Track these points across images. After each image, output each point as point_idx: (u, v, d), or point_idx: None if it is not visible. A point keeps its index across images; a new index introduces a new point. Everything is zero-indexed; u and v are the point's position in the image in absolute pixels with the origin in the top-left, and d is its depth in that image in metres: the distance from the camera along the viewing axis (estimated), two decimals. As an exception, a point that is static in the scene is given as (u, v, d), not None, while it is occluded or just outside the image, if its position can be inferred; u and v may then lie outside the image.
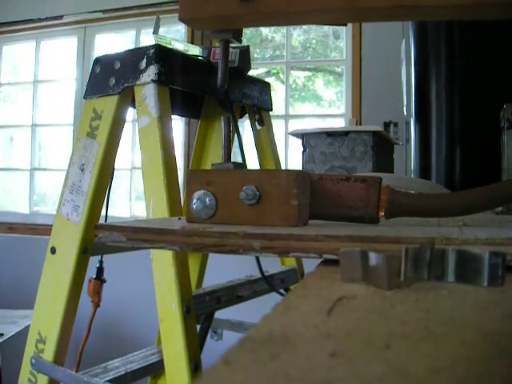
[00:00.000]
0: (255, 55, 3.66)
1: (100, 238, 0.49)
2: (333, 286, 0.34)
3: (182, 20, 0.61)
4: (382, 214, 0.52)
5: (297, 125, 3.52)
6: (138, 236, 0.47)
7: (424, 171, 1.34)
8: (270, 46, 3.81)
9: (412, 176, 1.37)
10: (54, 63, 3.91)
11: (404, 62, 1.78)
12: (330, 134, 1.05)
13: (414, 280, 0.34)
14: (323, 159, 1.05)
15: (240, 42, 0.56)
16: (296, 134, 1.13)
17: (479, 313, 0.27)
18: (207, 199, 0.52)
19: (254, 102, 1.64)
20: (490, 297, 0.31)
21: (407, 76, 1.61)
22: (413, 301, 0.30)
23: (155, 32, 1.57)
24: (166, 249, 0.46)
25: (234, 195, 0.51)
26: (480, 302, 0.30)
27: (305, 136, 1.08)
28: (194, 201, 0.53)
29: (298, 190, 0.50)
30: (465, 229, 0.48)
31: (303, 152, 1.08)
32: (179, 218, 0.62)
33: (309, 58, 3.69)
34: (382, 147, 1.11)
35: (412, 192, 0.62)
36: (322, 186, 0.53)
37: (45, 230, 3.20)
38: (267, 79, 3.77)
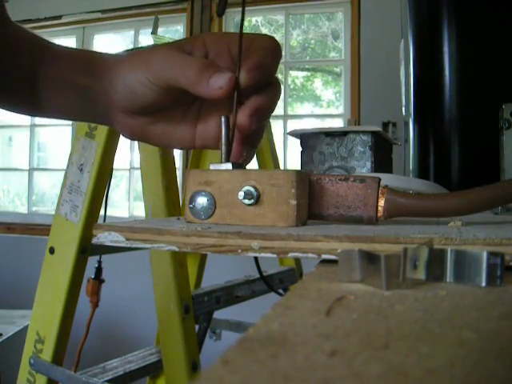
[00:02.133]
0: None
1: (98, 238, 0.49)
2: (331, 286, 0.34)
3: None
4: (381, 214, 0.52)
5: (295, 125, 3.52)
6: (137, 236, 0.47)
7: (423, 171, 1.34)
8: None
9: (411, 176, 1.37)
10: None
11: (403, 62, 1.78)
12: (329, 134, 1.05)
13: (413, 280, 0.34)
14: (322, 159, 1.05)
15: None
16: (294, 134, 1.13)
17: (477, 313, 0.27)
18: (206, 199, 0.52)
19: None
20: (489, 297, 0.31)
21: (406, 76, 1.61)
22: (411, 301, 0.30)
23: (154, 32, 1.57)
24: (164, 249, 0.46)
25: (232, 195, 0.51)
26: (478, 303, 0.30)
27: (303, 136, 1.08)
28: (193, 201, 0.53)
29: (297, 189, 0.50)
30: (463, 229, 0.48)
31: (302, 152, 1.08)
32: (178, 219, 0.62)
33: (307, 58, 3.69)
34: (381, 147, 1.11)
35: (411, 192, 0.62)
36: (320, 186, 0.53)
37: (43, 230, 3.20)
38: (266, 79, 3.77)
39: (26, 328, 1.55)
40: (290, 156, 3.34)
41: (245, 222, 0.51)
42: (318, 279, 0.36)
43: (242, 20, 0.55)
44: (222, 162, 0.54)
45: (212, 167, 0.54)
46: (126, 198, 3.76)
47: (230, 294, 1.47)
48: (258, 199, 0.50)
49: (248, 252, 0.44)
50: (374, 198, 0.52)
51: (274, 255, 0.44)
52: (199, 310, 1.34)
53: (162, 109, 0.58)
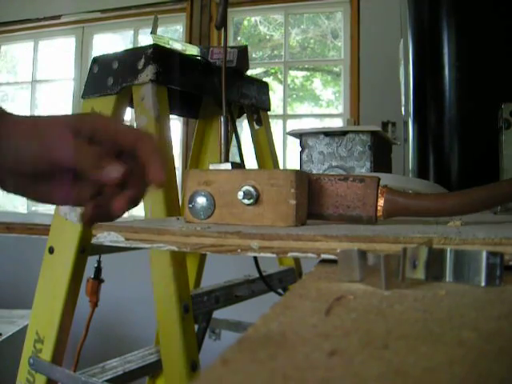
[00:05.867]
0: (253, 55, 3.66)
1: (98, 238, 0.49)
2: (331, 286, 0.34)
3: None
4: (380, 213, 0.52)
5: (295, 125, 3.52)
6: (136, 236, 0.47)
7: (422, 171, 1.35)
8: (268, 46, 3.82)
9: (410, 176, 1.37)
10: (52, 63, 3.92)
11: (402, 62, 1.78)
12: (328, 134, 1.05)
13: (412, 280, 0.34)
14: (321, 159, 1.04)
15: None
16: (294, 134, 1.12)
17: (477, 313, 0.27)
18: (205, 199, 0.52)
19: (252, 101, 1.64)
20: (488, 297, 0.31)
21: (405, 76, 1.61)
22: (411, 301, 0.30)
23: (153, 32, 1.56)
24: (164, 249, 0.46)
25: (232, 195, 0.51)
26: (478, 302, 0.30)
27: (303, 136, 1.08)
28: (192, 201, 0.53)
29: (296, 189, 0.50)
30: (463, 228, 0.48)
31: (301, 152, 1.08)
32: (177, 218, 0.62)
33: (307, 57, 3.69)
34: (380, 147, 1.11)
35: (410, 192, 0.62)
36: (320, 186, 0.53)
37: (43, 229, 3.20)
38: (265, 79, 3.77)
39: (25, 328, 1.55)
40: (290, 156, 3.34)
41: (244, 222, 0.51)
42: (318, 279, 0.36)
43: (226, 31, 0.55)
44: (221, 162, 0.54)
45: (211, 167, 0.54)
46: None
47: (229, 294, 1.47)
48: (257, 199, 0.50)
49: (247, 252, 0.44)
50: (373, 197, 0.52)
51: (274, 255, 0.44)
52: (199, 310, 1.34)
53: (45, 174, 0.59)
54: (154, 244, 0.47)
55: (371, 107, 3.08)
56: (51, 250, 1.37)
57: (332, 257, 0.42)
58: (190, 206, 0.53)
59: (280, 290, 1.67)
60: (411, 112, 1.45)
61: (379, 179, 0.52)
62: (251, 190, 0.50)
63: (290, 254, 0.44)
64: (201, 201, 0.52)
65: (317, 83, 3.82)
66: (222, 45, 0.75)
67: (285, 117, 3.44)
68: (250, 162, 1.85)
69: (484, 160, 1.21)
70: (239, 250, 0.44)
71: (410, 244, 0.40)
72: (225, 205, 0.52)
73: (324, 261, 0.43)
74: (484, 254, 0.34)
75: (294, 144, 3.32)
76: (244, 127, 2.66)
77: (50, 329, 1.33)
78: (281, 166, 2.23)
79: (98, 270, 1.57)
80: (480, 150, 1.24)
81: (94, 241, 0.49)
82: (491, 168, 0.99)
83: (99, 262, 1.58)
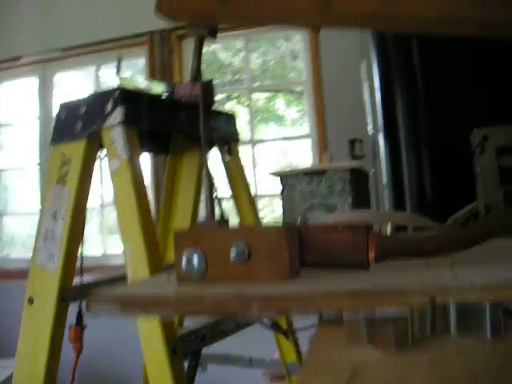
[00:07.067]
0: (215, 81, 3.68)
1: (92, 311, 0.48)
2: (342, 354, 0.34)
3: (159, 13, 0.59)
4: (372, 259, 0.52)
5: (262, 148, 3.53)
6: (132, 307, 0.47)
7: (396, 184, 1.36)
8: (229, 71, 3.85)
9: (385, 203, 1.39)
10: (16, 104, 3.88)
11: (365, 82, 1.81)
12: (308, 173, 1.06)
13: (420, 338, 0.34)
14: (302, 198, 1.05)
15: (215, 38, 0.57)
16: (274, 174, 1.13)
17: (493, 378, 0.28)
18: (197, 259, 0.52)
19: (222, 134, 1.64)
20: (500, 355, 0.32)
21: (371, 94, 1.63)
22: (425, 370, 0.30)
23: (118, 72, 1.56)
24: (161, 316, 0.46)
25: (223, 253, 0.51)
26: (491, 365, 0.30)
27: (282, 176, 1.09)
28: (184, 261, 0.52)
29: (288, 243, 0.50)
30: (456, 269, 0.48)
31: (282, 191, 1.08)
32: (167, 274, 0.61)
33: (268, 79, 3.72)
34: (358, 180, 1.12)
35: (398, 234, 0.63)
36: (310, 236, 0.53)
37: (18, 274, 3.14)
38: (228, 103, 3.80)
39: (8, 379, 1.51)
40: (261, 180, 3.34)
41: (239, 280, 0.51)
42: (326, 343, 0.36)
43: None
44: (206, 219, 0.54)
45: (199, 225, 0.53)
46: (99, 232, 3.72)
47: (215, 330, 1.46)
48: (249, 255, 0.50)
49: (248, 314, 0.44)
50: (364, 245, 0.52)
51: (275, 314, 0.44)
52: (186, 350, 1.32)
53: None
54: (150, 312, 0.46)
55: (337, 126, 3.11)
56: (31, 301, 1.35)
57: (333, 312, 0.42)
58: (182, 266, 0.52)
59: (266, 320, 1.66)
60: (380, 128, 1.47)
61: (369, 228, 0.53)
62: (243, 247, 0.50)
63: (291, 312, 0.44)
64: (192, 260, 0.52)
65: (280, 103, 3.85)
66: (190, 87, 0.76)
67: (253, 142, 3.45)
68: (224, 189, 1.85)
69: (454, 168, 1.23)
70: (240, 313, 0.44)
71: (411, 295, 0.40)
72: (217, 263, 0.51)
73: (325, 320, 0.43)
74: (487, 308, 0.34)
75: (264, 167, 3.34)
76: (214, 155, 2.66)
77: (35, 380, 1.30)
78: (252, 192, 2.23)
79: (80, 317, 1.55)
80: (450, 157, 1.26)
81: (89, 313, 0.48)
82: (464, 175, 1.01)
83: (80, 308, 1.55)
